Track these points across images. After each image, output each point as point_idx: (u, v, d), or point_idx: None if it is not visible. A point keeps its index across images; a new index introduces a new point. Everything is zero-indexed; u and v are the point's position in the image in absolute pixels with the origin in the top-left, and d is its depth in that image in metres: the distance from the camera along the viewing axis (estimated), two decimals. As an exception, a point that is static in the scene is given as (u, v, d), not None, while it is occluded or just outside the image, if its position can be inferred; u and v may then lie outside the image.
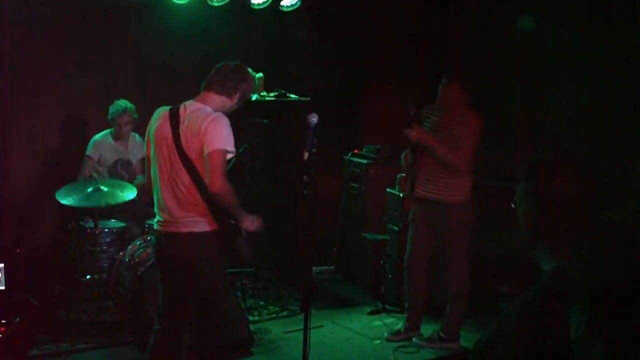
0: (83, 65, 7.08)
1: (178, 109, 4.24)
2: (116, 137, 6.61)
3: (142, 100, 6.73)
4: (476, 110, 5.73)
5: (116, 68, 7.29)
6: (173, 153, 4.14)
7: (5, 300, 4.24)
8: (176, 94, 4.91)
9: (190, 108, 4.22)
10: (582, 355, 1.58)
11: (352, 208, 7.74)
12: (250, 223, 4.28)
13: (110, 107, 6.53)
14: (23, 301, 4.44)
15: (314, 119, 4.27)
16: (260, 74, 6.96)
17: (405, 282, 6.03)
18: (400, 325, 6.11)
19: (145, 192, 5.79)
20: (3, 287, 4.22)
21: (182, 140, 4.12)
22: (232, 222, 4.22)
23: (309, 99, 7.34)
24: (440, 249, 5.90)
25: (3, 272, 4.25)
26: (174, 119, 4.18)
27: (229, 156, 4.12)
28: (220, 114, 4.19)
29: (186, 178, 4.12)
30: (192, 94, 4.40)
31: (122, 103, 6.52)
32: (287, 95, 7.41)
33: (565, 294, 1.84)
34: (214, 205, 4.13)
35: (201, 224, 4.17)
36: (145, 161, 4.38)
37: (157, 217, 4.30)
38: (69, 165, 6.85)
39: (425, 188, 5.78)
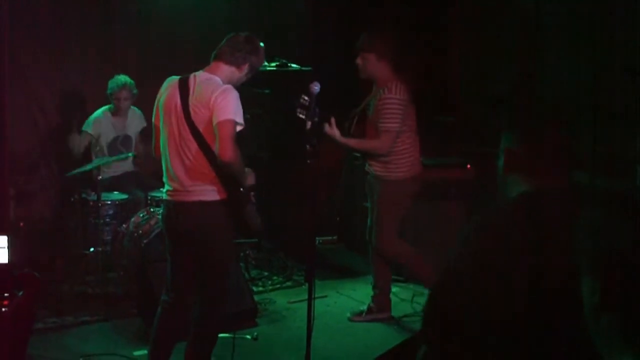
0: (82, 38, 7.02)
1: (188, 79, 4.19)
2: (115, 112, 6.58)
3: (143, 75, 6.68)
4: (477, 79, 5.65)
5: (116, 42, 7.22)
6: (182, 123, 4.11)
7: (9, 273, 4.22)
8: (177, 67, 4.86)
9: (199, 78, 4.18)
10: (595, 325, 1.57)
11: (354, 177, 7.72)
12: (251, 178, 4.29)
13: (110, 82, 6.48)
14: (26, 275, 4.42)
15: (316, 87, 4.25)
16: (260, 44, 6.91)
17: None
18: (365, 306, 5.91)
19: (148, 162, 5.75)
20: (6, 261, 4.20)
21: (191, 110, 4.09)
22: (242, 189, 4.20)
23: (310, 68, 7.29)
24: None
25: (7, 244, 4.23)
26: (184, 89, 4.15)
27: (238, 128, 4.08)
28: (230, 86, 4.14)
29: (194, 147, 4.10)
30: (194, 67, 4.35)
31: (122, 78, 6.47)
32: (288, 64, 7.36)
33: (532, 215, 1.98)
34: (222, 174, 4.12)
35: (210, 193, 4.15)
36: (153, 130, 4.34)
37: (167, 187, 4.28)
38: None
39: (368, 162, 5.67)
